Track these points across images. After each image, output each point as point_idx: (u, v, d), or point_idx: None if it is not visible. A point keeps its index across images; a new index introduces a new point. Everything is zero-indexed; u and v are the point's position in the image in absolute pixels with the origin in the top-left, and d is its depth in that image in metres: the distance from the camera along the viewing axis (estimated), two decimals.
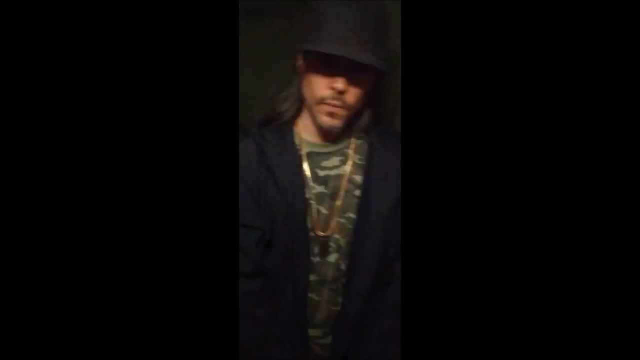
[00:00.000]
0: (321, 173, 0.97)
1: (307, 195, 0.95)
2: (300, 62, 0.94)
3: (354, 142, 0.98)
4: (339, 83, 0.88)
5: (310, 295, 0.96)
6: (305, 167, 0.97)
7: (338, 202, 0.96)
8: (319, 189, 0.96)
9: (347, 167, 0.97)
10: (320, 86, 0.90)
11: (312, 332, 0.98)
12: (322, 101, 0.90)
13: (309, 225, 0.95)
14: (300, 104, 0.98)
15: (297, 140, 0.98)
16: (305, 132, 0.98)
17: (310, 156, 0.97)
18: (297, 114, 0.99)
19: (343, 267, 0.96)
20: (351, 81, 0.89)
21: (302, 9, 1.29)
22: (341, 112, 0.91)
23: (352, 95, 0.90)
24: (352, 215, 0.96)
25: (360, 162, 0.98)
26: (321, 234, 0.95)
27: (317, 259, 0.96)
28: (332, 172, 0.97)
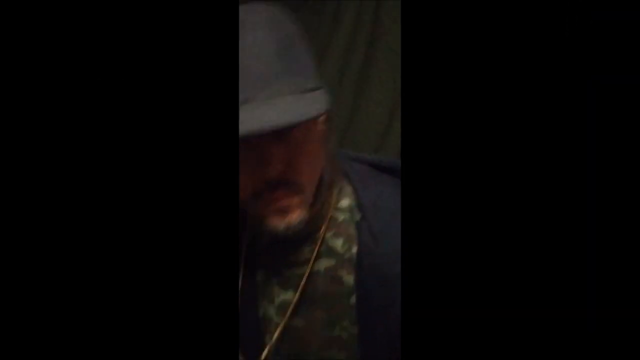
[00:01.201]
0: (287, 273, 0.66)
1: (261, 313, 0.66)
2: None
3: (332, 221, 0.66)
4: (269, 169, 0.58)
5: None
6: (260, 276, 0.66)
7: (318, 315, 0.65)
8: (286, 296, 0.66)
9: (329, 262, 0.66)
10: (251, 179, 0.61)
11: None
12: (257, 197, 0.61)
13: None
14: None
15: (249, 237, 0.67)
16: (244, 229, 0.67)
17: (268, 249, 0.67)
18: None
19: None
20: (290, 153, 0.60)
21: (301, 9, 1.29)
22: (293, 201, 0.61)
23: (300, 171, 0.61)
24: (349, 326, 0.65)
25: (348, 254, 0.66)
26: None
27: None
28: (303, 270, 0.66)
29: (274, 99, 0.56)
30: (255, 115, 0.55)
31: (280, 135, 0.58)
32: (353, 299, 0.64)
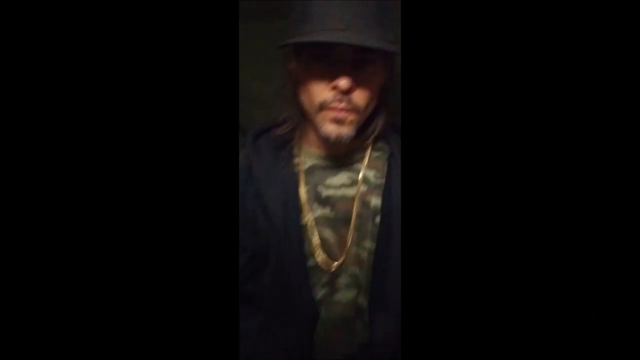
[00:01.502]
0: (325, 192, 0.80)
1: (305, 220, 0.79)
2: (292, 64, 0.77)
3: (368, 155, 0.81)
4: (343, 81, 0.70)
5: (321, 333, 0.81)
6: (303, 187, 0.80)
7: (350, 229, 0.79)
8: (322, 211, 0.80)
9: (360, 187, 0.80)
10: (320, 88, 0.73)
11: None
12: (324, 106, 0.73)
13: (308, 253, 0.79)
14: (300, 114, 0.80)
15: (296, 153, 0.82)
16: (308, 143, 0.82)
17: (312, 172, 0.81)
18: (298, 125, 0.82)
19: (364, 304, 0.80)
20: (357, 77, 0.72)
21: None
22: (350, 116, 0.74)
23: (361, 94, 0.73)
24: (370, 244, 0.79)
25: (376, 181, 0.81)
26: (326, 266, 0.79)
27: (323, 292, 0.80)
28: (339, 192, 0.80)
29: (368, 29, 0.70)
30: (346, 36, 0.68)
31: (361, 57, 0.72)
32: (378, 219, 0.78)
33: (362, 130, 0.79)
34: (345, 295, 0.80)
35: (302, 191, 0.80)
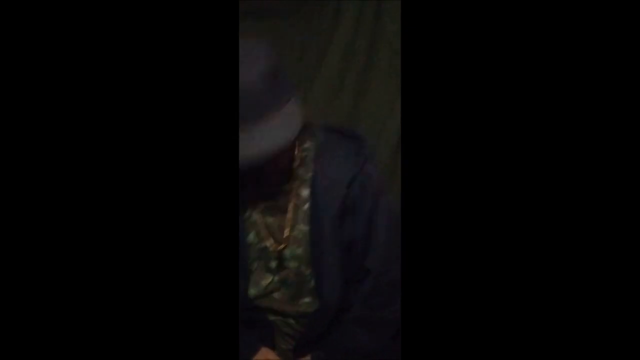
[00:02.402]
0: (275, 198, 0.99)
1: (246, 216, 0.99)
2: None
3: (298, 157, 0.98)
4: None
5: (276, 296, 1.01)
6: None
7: (289, 217, 0.98)
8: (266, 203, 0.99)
9: (294, 184, 0.98)
10: None
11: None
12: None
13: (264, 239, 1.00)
14: None
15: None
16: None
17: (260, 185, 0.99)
18: None
19: (307, 272, 0.99)
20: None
21: (301, 10, 1.29)
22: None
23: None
24: (304, 227, 0.98)
25: (305, 177, 0.98)
26: (277, 247, 0.99)
27: (274, 264, 1.00)
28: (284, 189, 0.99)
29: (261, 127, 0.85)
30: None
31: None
32: (306, 207, 0.98)
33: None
34: (290, 264, 1.00)
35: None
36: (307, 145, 0.99)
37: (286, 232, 0.99)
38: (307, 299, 1.01)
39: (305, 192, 0.98)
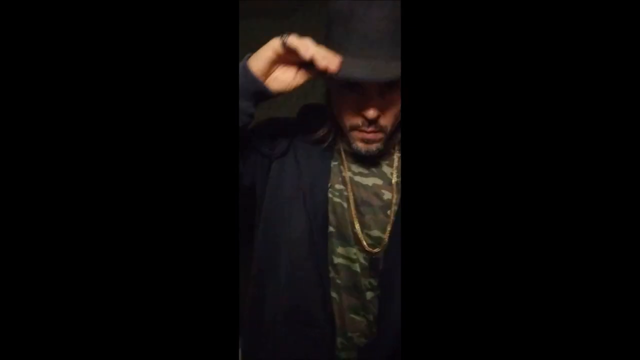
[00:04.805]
0: (346, 174, 0.90)
1: (328, 191, 0.89)
2: (327, 86, 0.87)
3: (395, 156, 0.90)
4: (371, 112, 0.80)
5: (332, 294, 0.89)
6: (333, 162, 0.91)
7: (360, 215, 0.89)
8: (341, 189, 0.90)
9: (377, 180, 0.90)
10: (350, 114, 0.83)
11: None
12: (354, 128, 0.84)
13: (329, 219, 0.89)
14: (337, 126, 0.90)
15: (335, 150, 0.92)
16: (345, 143, 0.91)
17: (342, 153, 0.91)
18: (335, 132, 0.91)
19: (366, 282, 0.89)
20: (383, 105, 0.81)
21: (301, 9, 1.29)
22: (378, 136, 0.84)
23: (387, 118, 0.82)
24: (376, 233, 0.89)
25: (394, 178, 0.90)
26: (370, 249, 0.88)
27: (339, 260, 0.90)
28: (357, 179, 0.91)
29: (392, 57, 0.76)
30: (373, 69, 0.75)
31: (383, 89, 0.80)
32: (389, 212, 0.89)
33: (390, 139, 0.89)
34: (353, 267, 0.90)
35: (332, 164, 0.92)
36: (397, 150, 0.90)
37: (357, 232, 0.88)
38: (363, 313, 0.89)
39: (388, 196, 0.89)
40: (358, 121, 0.82)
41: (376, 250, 0.88)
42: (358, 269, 0.89)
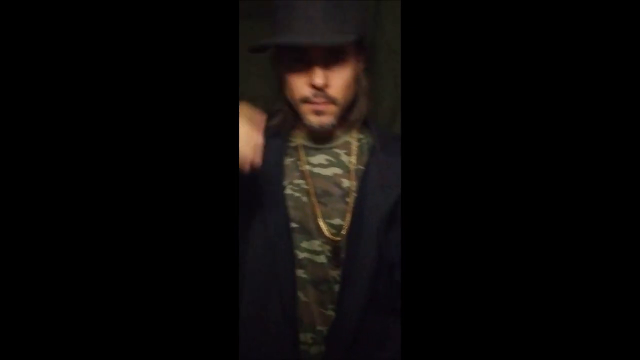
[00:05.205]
0: (302, 167, 0.90)
1: (287, 187, 0.89)
2: (277, 64, 0.88)
3: (353, 144, 0.91)
4: (317, 77, 0.82)
5: (298, 293, 0.89)
6: (289, 159, 0.91)
7: (322, 205, 0.89)
8: (300, 182, 0.90)
9: (336, 170, 0.91)
10: (299, 85, 0.84)
11: (301, 336, 0.89)
12: (305, 101, 0.85)
13: (290, 216, 0.89)
14: (289, 106, 0.89)
15: (289, 137, 0.93)
16: (299, 128, 0.92)
17: (297, 149, 0.92)
18: (288, 115, 0.91)
19: (333, 274, 0.89)
20: (331, 72, 0.83)
21: None
22: (329, 108, 0.85)
23: (336, 88, 0.84)
24: (338, 221, 0.89)
25: (351, 166, 0.90)
26: (332, 237, 0.88)
27: (304, 255, 0.89)
28: (316, 170, 0.91)
29: (336, 26, 0.80)
30: (309, 33, 0.79)
31: (332, 53, 0.82)
32: (348, 199, 0.89)
33: (345, 117, 0.90)
34: (318, 259, 0.90)
35: (287, 161, 0.92)
36: (362, 136, 0.93)
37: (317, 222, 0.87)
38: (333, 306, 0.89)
39: (348, 184, 0.89)
40: (307, 92, 0.84)
41: (338, 238, 0.88)
42: (324, 260, 0.89)
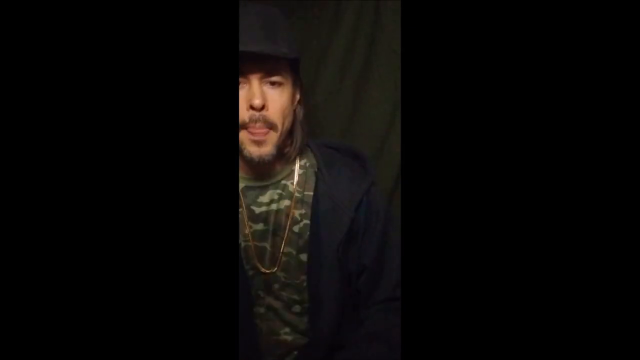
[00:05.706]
0: (257, 210, 0.90)
1: (244, 234, 0.90)
2: None
3: (296, 173, 0.92)
4: (256, 98, 0.81)
5: (260, 325, 0.93)
6: (240, 204, 0.90)
7: (278, 240, 0.90)
8: (257, 227, 0.91)
9: (286, 202, 0.91)
10: (241, 109, 0.82)
11: None
12: (243, 127, 0.83)
13: (252, 263, 0.91)
14: None
15: None
16: (240, 167, 0.90)
17: (245, 192, 0.90)
18: None
19: (296, 308, 0.92)
20: (269, 95, 0.82)
21: (300, 10, 1.29)
22: (268, 137, 0.83)
23: (274, 110, 0.83)
24: (294, 252, 0.91)
25: (299, 195, 0.91)
26: (265, 270, 0.91)
27: (262, 294, 0.93)
28: (270, 208, 0.91)
29: (273, 40, 0.81)
30: (245, 44, 0.78)
31: (266, 81, 0.82)
32: (296, 229, 0.90)
33: (283, 149, 0.89)
34: (281, 294, 0.92)
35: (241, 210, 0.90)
36: (304, 162, 0.93)
37: (279, 257, 0.90)
38: (286, 329, 0.93)
39: (298, 212, 0.90)
40: (246, 116, 0.82)
41: (268, 271, 0.91)
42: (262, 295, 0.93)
